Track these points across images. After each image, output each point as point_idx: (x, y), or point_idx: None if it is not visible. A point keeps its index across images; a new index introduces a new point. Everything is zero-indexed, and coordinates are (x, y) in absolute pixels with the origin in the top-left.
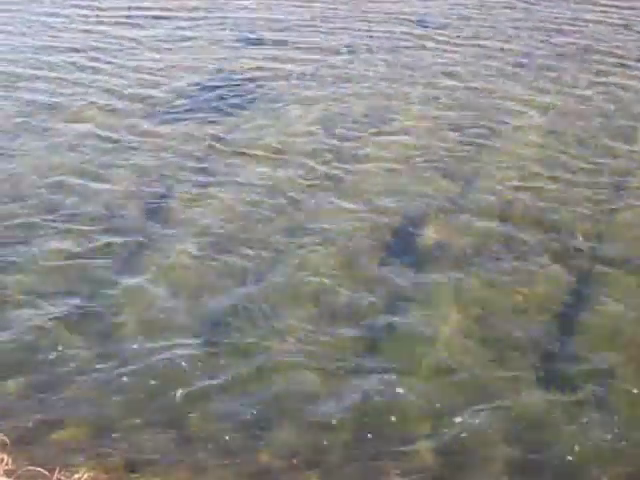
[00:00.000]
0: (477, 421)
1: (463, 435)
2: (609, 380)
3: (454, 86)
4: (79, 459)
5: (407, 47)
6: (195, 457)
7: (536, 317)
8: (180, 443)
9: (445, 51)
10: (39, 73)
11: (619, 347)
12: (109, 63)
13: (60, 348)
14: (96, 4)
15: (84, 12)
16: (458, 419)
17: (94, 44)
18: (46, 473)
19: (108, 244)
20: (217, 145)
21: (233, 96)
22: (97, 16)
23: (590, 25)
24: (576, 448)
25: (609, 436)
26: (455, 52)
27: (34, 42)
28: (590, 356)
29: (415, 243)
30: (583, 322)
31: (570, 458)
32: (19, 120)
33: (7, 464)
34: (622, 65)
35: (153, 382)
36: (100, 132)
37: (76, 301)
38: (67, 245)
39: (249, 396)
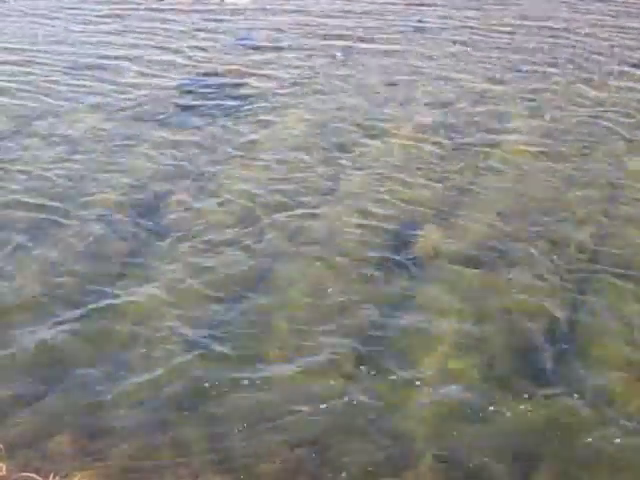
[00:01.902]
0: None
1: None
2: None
3: (451, 91)
4: (74, 465)
5: (403, 51)
6: (190, 462)
7: (534, 319)
8: (175, 448)
9: (441, 56)
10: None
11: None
12: (105, 62)
13: (55, 353)
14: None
15: (76, 15)
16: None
17: (89, 45)
18: (40, 479)
19: (104, 245)
20: (210, 150)
21: (227, 99)
22: (92, 16)
23: (586, 29)
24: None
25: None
26: (451, 56)
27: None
28: (588, 357)
29: (411, 248)
30: (582, 324)
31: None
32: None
33: (1, 470)
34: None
35: (148, 386)
36: (92, 135)
37: (72, 307)
38: (67, 246)
39: (247, 397)
